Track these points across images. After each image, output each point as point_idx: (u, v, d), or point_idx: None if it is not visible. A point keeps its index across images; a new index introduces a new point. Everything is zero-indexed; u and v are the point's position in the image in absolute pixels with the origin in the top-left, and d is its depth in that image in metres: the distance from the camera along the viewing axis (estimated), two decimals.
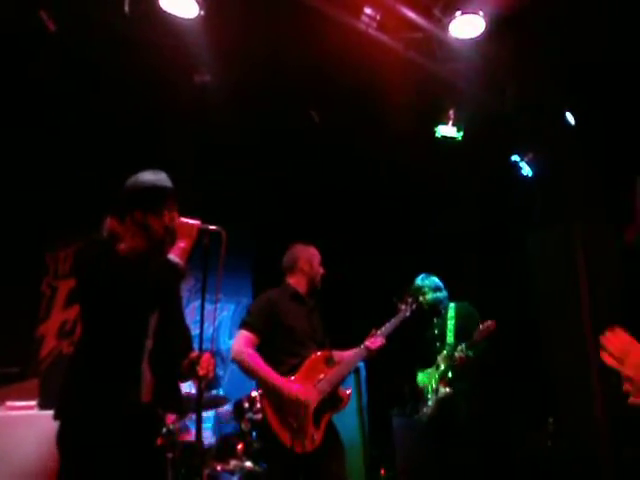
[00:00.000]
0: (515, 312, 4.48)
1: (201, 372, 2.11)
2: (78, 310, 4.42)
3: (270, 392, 2.72)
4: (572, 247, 4.36)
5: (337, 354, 3.00)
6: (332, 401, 2.86)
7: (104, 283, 1.95)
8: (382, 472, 4.96)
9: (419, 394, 3.89)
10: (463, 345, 3.61)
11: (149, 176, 2.18)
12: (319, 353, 2.89)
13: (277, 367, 2.79)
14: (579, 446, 4.03)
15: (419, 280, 3.98)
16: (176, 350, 2.22)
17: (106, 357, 1.98)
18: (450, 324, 3.85)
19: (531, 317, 4.43)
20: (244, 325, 2.86)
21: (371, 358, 3.04)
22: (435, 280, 3.99)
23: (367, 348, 2.97)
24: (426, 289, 3.92)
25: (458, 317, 3.87)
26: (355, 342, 3.04)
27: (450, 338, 3.81)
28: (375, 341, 2.99)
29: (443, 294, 3.96)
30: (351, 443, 4.69)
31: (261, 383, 2.78)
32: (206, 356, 2.16)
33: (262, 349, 2.86)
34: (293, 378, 2.79)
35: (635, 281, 3.77)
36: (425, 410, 3.78)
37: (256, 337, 2.82)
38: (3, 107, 3.90)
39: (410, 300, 3.37)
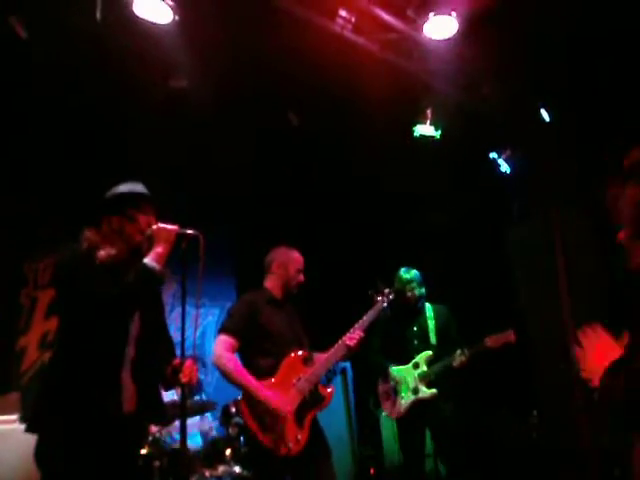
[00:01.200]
0: (495, 307, 4.54)
1: (184, 379, 2.12)
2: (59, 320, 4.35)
3: (249, 397, 2.73)
4: (551, 242, 4.43)
5: (317, 355, 3.01)
6: (314, 400, 2.88)
7: (82, 291, 1.95)
8: (372, 471, 4.98)
9: (389, 389, 3.78)
10: (465, 350, 3.50)
11: (124, 186, 2.20)
12: (298, 353, 2.90)
13: (257, 369, 2.80)
14: (562, 437, 4.09)
15: (404, 273, 3.84)
16: (159, 357, 2.21)
17: (84, 366, 1.96)
18: (431, 324, 3.79)
19: (511, 312, 4.47)
20: (223, 329, 2.86)
21: (354, 352, 3.01)
22: (418, 274, 3.87)
23: (345, 343, 2.95)
24: (414, 283, 3.80)
25: (437, 319, 3.81)
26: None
27: (433, 339, 3.74)
28: (353, 336, 2.98)
29: (424, 290, 3.86)
30: (340, 443, 4.72)
31: (240, 388, 2.78)
32: (188, 363, 2.16)
33: (242, 351, 2.87)
34: (273, 380, 2.80)
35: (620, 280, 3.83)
36: (397, 407, 3.69)
37: (236, 341, 2.82)
38: None
39: (387, 291, 3.33)
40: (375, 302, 3.28)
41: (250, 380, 2.74)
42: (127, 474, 2.02)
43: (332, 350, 2.97)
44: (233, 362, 2.77)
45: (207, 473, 3.47)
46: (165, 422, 3.28)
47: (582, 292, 4.15)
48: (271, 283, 3.07)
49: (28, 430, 1.95)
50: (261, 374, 2.80)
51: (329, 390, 2.97)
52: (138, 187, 2.21)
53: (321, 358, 2.97)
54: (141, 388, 2.07)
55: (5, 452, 2.86)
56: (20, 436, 2.94)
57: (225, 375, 2.77)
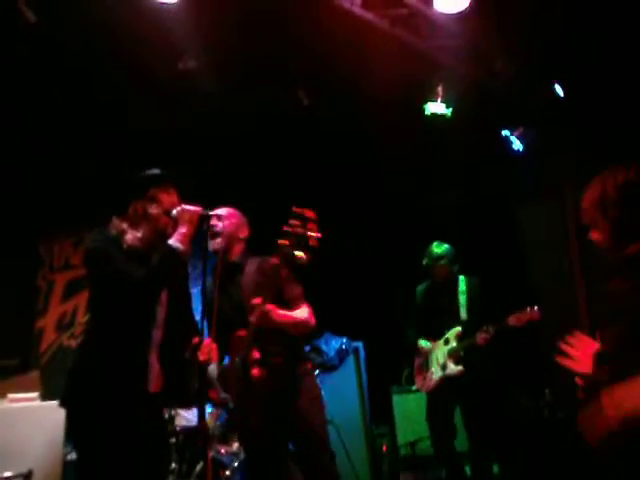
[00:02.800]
0: (508, 286, 4.51)
1: (202, 357, 2.16)
2: (76, 302, 4.45)
3: None
4: (564, 221, 4.38)
5: None
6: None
7: (111, 275, 2.02)
8: (384, 449, 5.04)
9: (421, 364, 3.77)
10: (489, 327, 3.43)
11: (142, 170, 2.26)
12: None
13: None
14: (574, 415, 4.09)
15: (435, 247, 3.72)
16: (184, 338, 2.27)
17: (114, 347, 2.04)
18: (462, 299, 3.69)
19: (524, 291, 4.45)
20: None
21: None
22: (450, 249, 3.74)
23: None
24: (445, 260, 3.66)
25: (469, 292, 3.70)
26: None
27: (464, 314, 3.67)
28: None
29: (456, 267, 3.76)
30: (353, 421, 4.76)
31: None
32: (207, 342, 2.20)
33: None
34: None
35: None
36: (427, 382, 3.71)
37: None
38: None
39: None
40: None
41: None
42: (153, 449, 2.10)
43: None
44: None
45: (222, 450, 3.55)
46: (188, 404, 3.34)
47: (595, 272, 4.11)
48: None
49: (62, 405, 2.05)
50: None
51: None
52: (153, 169, 2.26)
53: None
54: (167, 370, 2.14)
55: (26, 427, 2.95)
56: (41, 412, 3.06)
57: None
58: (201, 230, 2.20)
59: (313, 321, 2.73)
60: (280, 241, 2.32)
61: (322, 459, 2.66)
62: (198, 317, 2.25)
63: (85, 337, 2.20)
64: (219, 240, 2.65)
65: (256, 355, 2.51)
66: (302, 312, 2.68)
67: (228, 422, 2.75)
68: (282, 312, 2.59)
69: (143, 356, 2.09)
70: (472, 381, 3.59)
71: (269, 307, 2.51)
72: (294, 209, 2.36)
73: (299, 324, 2.67)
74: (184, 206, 2.16)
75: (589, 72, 4.00)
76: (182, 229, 2.10)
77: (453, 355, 3.59)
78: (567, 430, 4.05)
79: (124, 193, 2.21)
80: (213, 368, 2.54)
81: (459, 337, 3.60)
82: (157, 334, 2.14)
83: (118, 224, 2.15)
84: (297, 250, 2.29)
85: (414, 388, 4.18)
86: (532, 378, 4.50)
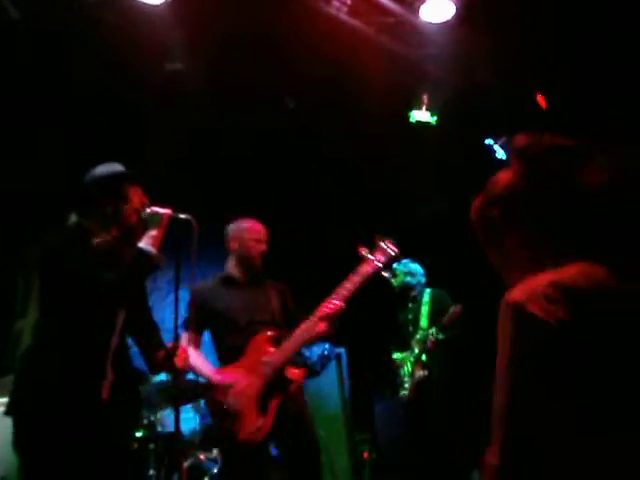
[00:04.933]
0: (489, 296, 4.54)
1: (179, 363, 2.13)
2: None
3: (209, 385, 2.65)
4: None
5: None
6: (279, 384, 2.60)
7: (77, 278, 1.91)
8: (365, 455, 5.03)
9: (395, 375, 4.01)
10: (433, 329, 3.74)
11: (103, 168, 2.15)
12: (267, 333, 2.65)
13: (226, 353, 2.70)
14: None
15: (403, 266, 4.07)
16: (145, 343, 2.22)
17: (70, 353, 1.93)
18: (424, 309, 3.96)
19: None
20: (182, 326, 2.68)
21: (332, 328, 2.57)
22: (410, 266, 4.09)
23: (316, 319, 2.53)
24: (412, 277, 4.04)
25: (433, 303, 3.97)
26: None
27: (424, 322, 3.92)
28: (325, 309, 2.54)
29: (416, 279, 4.07)
30: (334, 428, 4.75)
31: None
32: (182, 349, 2.17)
33: (213, 340, 2.79)
34: (239, 362, 2.64)
35: None
36: (402, 392, 3.90)
37: (194, 334, 2.72)
38: None
39: (384, 247, 2.68)
40: (364, 261, 2.64)
41: (207, 371, 2.66)
42: (105, 459, 1.96)
43: (302, 328, 2.58)
44: (193, 358, 2.51)
45: (202, 456, 3.51)
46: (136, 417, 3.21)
47: None
48: (229, 263, 2.89)
49: (6, 413, 1.90)
50: (229, 358, 2.67)
51: (297, 372, 2.65)
52: (117, 166, 2.16)
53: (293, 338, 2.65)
54: (119, 377, 2.02)
55: (6, 433, 2.87)
56: None
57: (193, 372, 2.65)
58: (171, 233, 2.11)
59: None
60: None
61: (319, 469, 2.69)
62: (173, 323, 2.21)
63: (35, 342, 2.01)
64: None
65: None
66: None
67: (214, 426, 2.68)
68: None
69: (100, 364, 1.97)
70: (440, 384, 3.80)
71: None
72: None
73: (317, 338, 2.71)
74: (154, 208, 2.09)
75: (573, 82, 4.06)
76: (152, 232, 2.03)
77: (418, 362, 3.84)
78: None
79: (94, 192, 2.08)
80: None
81: (419, 343, 3.85)
82: (114, 341, 2.03)
83: (85, 223, 2.05)
84: None
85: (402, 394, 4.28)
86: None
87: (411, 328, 3.96)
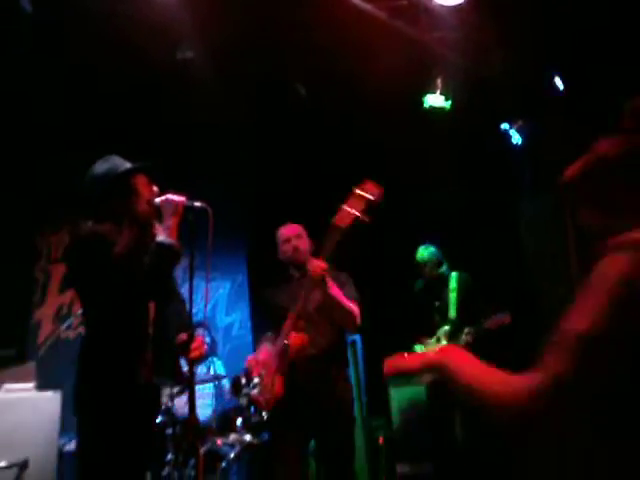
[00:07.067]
0: (507, 279, 4.50)
1: (194, 353, 2.13)
2: (73, 294, 4.41)
3: None
4: (563, 215, 4.36)
5: None
6: (284, 353, 2.73)
7: (108, 284, 1.95)
8: (380, 441, 5.05)
9: None
10: (471, 329, 3.57)
11: (102, 165, 2.14)
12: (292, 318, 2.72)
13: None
14: None
15: (422, 251, 3.92)
16: (177, 329, 2.25)
17: (115, 348, 2.05)
18: (452, 297, 3.82)
19: (523, 284, 4.45)
20: None
21: (324, 289, 2.60)
22: (435, 252, 3.94)
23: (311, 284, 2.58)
24: (431, 264, 3.89)
25: (460, 289, 3.82)
26: None
27: (452, 312, 3.78)
28: (312, 271, 2.57)
29: (444, 268, 3.94)
30: None
31: None
32: (199, 339, 2.19)
33: None
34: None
35: None
36: (422, 378, 3.81)
37: (270, 334, 2.94)
38: None
39: (362, 194, 2.50)
40: (337, 213, 2.52)
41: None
42: (151, 441, 2.21)
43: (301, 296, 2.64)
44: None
45: (219, 441, 3.56)
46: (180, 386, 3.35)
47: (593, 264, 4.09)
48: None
49: (74, 414, 2.06)
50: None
51: (295, 336, 2.67)
52: (116, 160, 2.15)
53: None
54: (158, 358, 2.16)
55: (22, 417, 2.96)
56: (36, 402, 3.07)
57: None
58: (187, 222, 2.10)
59: (359, 321, 2.80)
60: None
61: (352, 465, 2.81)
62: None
63: (86, 333, 2.17)
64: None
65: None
66: (353, 305, 2.77)
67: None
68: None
69: (143, 352, 2.10)
70: None
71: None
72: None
73: (349, 311, 2.73)
74: (169, 196, 2.07)
75: (590, 64, 3.97)
76: (168, 222, 2.02)
77: None
78: None
79: (100, 194, 2.07)
80: None
81: (448, 336, 3.71)
82: (150, 330, 2.15)
83: (101, 230, 2.04)
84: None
85: (414, 379, 4.25)
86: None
87: (438, 317, 3.83)
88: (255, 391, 2.82)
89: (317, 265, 2.55)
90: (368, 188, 2.54)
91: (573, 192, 1.15)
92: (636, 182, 1.03)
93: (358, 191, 2.54)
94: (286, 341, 2.70)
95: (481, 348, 3.56)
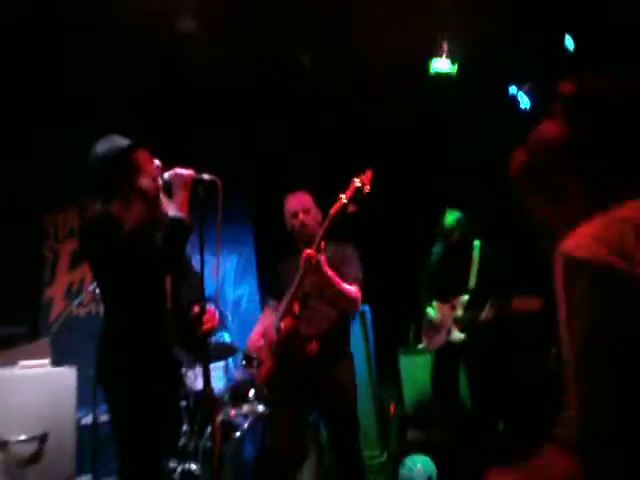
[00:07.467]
0: (520, 245, 4.45)
1: (205, 327, 2.15)
2: (83, 271, 4.44)
3: None
4: None
5: None
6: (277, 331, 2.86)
7: (123, 264, 1.97)
8: (392, 410, 5.11)
9: (428, 325, 3.84)
10: (495, 305, 3.44)
11: (103, 145, 2.10)
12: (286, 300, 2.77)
13: None
14: None
15: (447, 216, 3.77)
16: (189, 301, 2.26)
17: (136, 324, 2.09)
18: (474, 267, 3.69)
19: (537, 250, 4.40)
20: None
21: (316, 273, 2.59)
22: (460, 217, 3.78)
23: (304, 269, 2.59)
24: (457, 229, 3.73)
25: (481, 259, 3.70)
26: None
27: (472, 282, 3.67)
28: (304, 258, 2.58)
29: (468, 234, 3.80)
30: (360, 384, 4.80)
31: None
32: (210, 312, 2.19)
33: None
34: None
35: None
36: (432, 343, 3.81)
37: (274, 301, 2.97)
38: None
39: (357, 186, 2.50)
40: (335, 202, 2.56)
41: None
42: (176, 411, 2.31)
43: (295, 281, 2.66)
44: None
45: (232, 412, 3.62)
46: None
47: None
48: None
49: (99, 382, 2.12)
50: None
51: (287, 321, 2.69)
52: (116, 139, 2.12)
53: None
54: (175, 331, 2.19)
55: (39, 392, 3.00)
56: (52, 377, 3.12)
57: None
58: (196, 196, 2.08)
59: (359, 304, 2.78)
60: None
61: (357, 444, 2.82)
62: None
63: (105, 310, 2.18)
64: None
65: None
66: (352, 288, 2.72)
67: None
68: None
69: (163, 326, 2.14)
70: (475, 346, 3.64)
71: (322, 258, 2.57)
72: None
73: (346, 295, 2.69)
74: (177, 170, 2.05)
75: (601, 23, 3.85)
76: (177, 197, 2.01)
77: (458, 323, 3.64)
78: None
79: (105, 174, 2.04)
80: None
81: (465, 306, 3.63)
82: (168, 304, 2.18)
83: (110, 210, 2.03)
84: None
85: (420, 347, 4.23)
86: (539, 338, 4.49)
87: (456, 283, 3.70)
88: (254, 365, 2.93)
89: (306, 257, 2.56)
90: (363, 178, 2.56)
91: (520, 184, 1.14)
92: (577, 166, 1.02)
93: (355, 179, 2.56)
94: (278, 324, 2.77)
95: (501, 328, 3.50)
